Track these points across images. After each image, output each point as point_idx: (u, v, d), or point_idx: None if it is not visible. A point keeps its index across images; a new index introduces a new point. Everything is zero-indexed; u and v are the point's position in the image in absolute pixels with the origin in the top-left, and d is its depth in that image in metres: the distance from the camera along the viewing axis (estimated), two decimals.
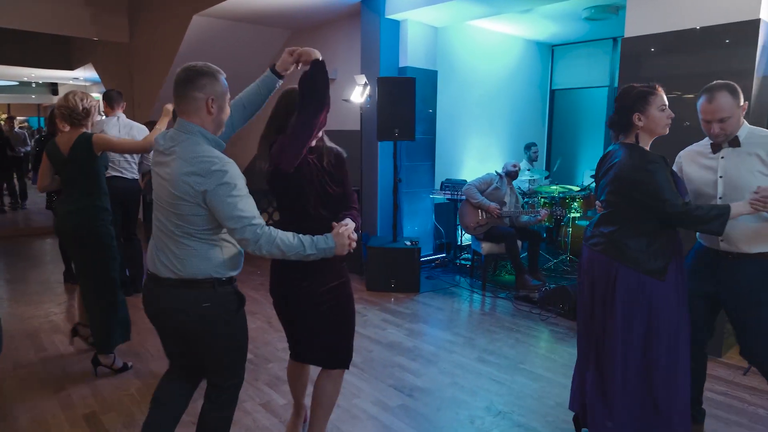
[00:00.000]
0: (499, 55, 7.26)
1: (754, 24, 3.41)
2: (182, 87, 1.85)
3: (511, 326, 4.36)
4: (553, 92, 8.14)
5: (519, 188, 6.49)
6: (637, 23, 3.94)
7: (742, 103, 2.34)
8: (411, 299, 5.07)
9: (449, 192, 6.13)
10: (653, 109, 2.27)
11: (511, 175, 5.56)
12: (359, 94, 5.45)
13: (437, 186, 6.48)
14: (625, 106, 2.31)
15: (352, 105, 5.70)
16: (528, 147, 7.07)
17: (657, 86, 2.31)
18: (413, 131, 5.22)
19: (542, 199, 6.11)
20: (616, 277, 2.28)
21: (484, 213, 5.41)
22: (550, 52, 8.04)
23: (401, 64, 5.88)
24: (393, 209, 5.51)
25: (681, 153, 2.64)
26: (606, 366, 2.36)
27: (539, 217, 5.35)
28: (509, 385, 3.29)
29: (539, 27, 6.90)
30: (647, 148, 2.32)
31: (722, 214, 2.15)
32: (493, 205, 5.32)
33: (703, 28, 3.61)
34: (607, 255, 2.31)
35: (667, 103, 2.31)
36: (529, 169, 6.91)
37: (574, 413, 2.65)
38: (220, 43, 6.75)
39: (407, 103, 5.17)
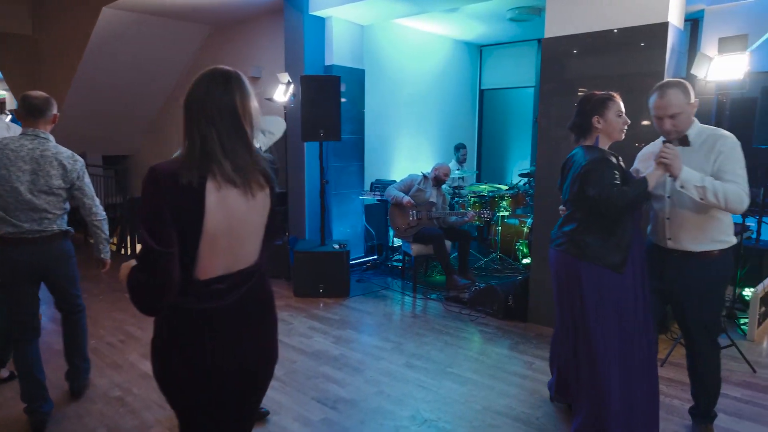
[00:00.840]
0: (428, 54, 7.25)
1: (663, 27, 3.51)
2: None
3: (440, 329, 4.31)
4: (482, 92, 8.23)
5: (449, 187, 6.50)
6: (557, 24, 3.98)
7: (692, 101, 2.39)
8: (340, 304, 4.93)
9: (379, 193, 6.04)
10: (611, 113, 2.44)
11: (439, 180, 5.50)
12: (282, 93, 5.26)
13: (367, 187, 6.37)
14: (586, 111, 2.48)
15: (276, 104, 5.48)
16: (457, 148, 7.09)
17: (614, 94, 2.48)
18: (339, 131, 5.08)
19: (472, 198, 6.14)
20: (580, 275, 2.41)
21: (414, 214, 5.35)
22: (478, 52, 8.12)
23: (327, 63, 5.72)
24: (321, 211, 5.35)
25: (638, 154, 2.74)
26: (588, 368, 2.46)
27: (466, 219, 5.35)
28: (436, 391, 3.22)
29: (466, 27, 6.94)
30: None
31: (642, 181, 2.30)
32: (406, 198, 5.25)
33: (619, 30, 3.69)
34: (570, 254, 2.45)
35: (623, 110, 2.48)
36: (458, 169, 6.93)
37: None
38: (134, 39, 6.34)
39: (333, 102, 5.02)
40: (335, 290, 5.11)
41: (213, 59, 6.29)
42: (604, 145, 2.49)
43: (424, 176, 5.47)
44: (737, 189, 2.26)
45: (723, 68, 3.46)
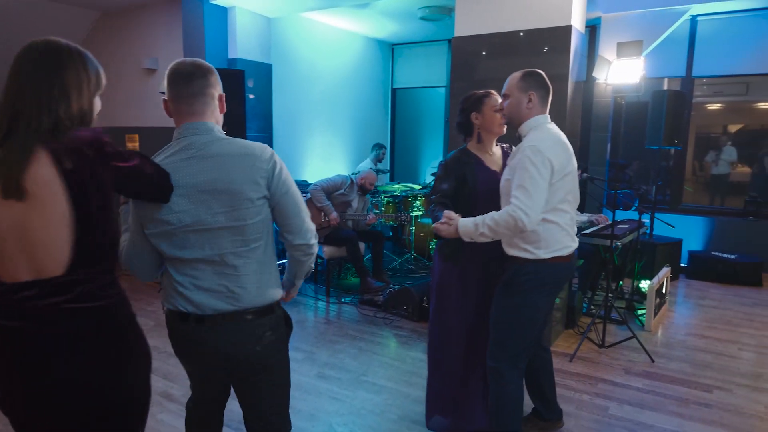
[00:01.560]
0: (339, 51, 7.08)
1: (567, 30, 3.58)
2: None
3: (354, 334, 4.17)
4: (394, 91, 8.20)
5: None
6: (467, 23, 3.97)
7: (529, 91, 2.22)
8: None
9: None
10: (487, 109, 2.47)
11: (365, 189, 5.35)
12: None
13: None
14: (465, 109, 2.54)
15: None
16: (376, 148, 6.98)
17: (491, 91, 2.52)
18: (244, 129, 4.80)
19: (385, 199, 6.05)
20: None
21: (326, 215, 5.17)
22: (390, 50, 8.07)
23: (231, 56, 5.39)
24: None
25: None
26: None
27: (367, 221, 5.23)
28: (350, 403, 3.07)
29: (378, 24, 6.85)
30: (494, 147, 2.57)
31: (434, 217, 2.37)
32: (334, 214, 5.09)
33: (525, 32, 3.72)
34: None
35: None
36: (374, 169, 6.81)
37: None
38: (11, 22, 5.62)
39: (237, 97, 4.72)
40: None
41: (101, 50, 5.72)
42: (489, 141, 2.54)
43: (352, 181, 5.30)
44: (503, 215, 2.06)
45: (621, 72, 3.60)
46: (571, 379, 3.35)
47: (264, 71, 5.65)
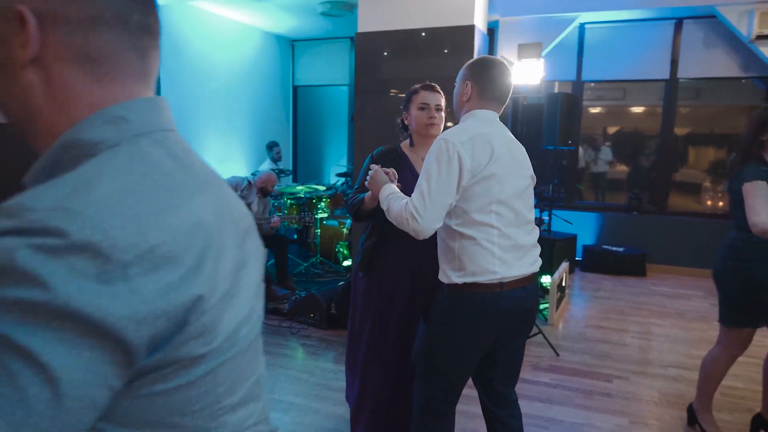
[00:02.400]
0: (235, 45, 6.69)
1: (470, 30, 3.58)
2: None
3: None
4: (295, 89, 7.93)
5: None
6: (370, 19, 3.85)
7: (467, 80, 2.02)
8: None
9: None
10: (414, 107, 2.28)
11: (265, 191, 5.04)
12: None
13: None
14: (402, 109, 2.38)
15: None
16: (270, 147, 6.68)
17: (430, 84, 2.30)
18: None
19: (288, 201, 5.80)
20: None
21: None
22: (290, 47, 7.79)
23: None
24: None
25: None
26: None
27: (271, 225, 4.97)
28: None
29: (276, 19, 6.55)
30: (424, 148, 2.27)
31: (357, 200, 2.23)
32: None
33: (428, 30, 3.68)
34: None
35: (430, 103, 2.25)
36: (275, 169, 6.51)
37: None
38: None
39: None
40: None
41: None
42: (419, 142, 2.32)
43: (249, 182, 4.98)
44: (401, 207, 1.76)
45: (522, 73, 3.67)
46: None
47: None
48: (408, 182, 2.14)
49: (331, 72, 7.63)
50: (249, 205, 4.94)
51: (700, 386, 2.69)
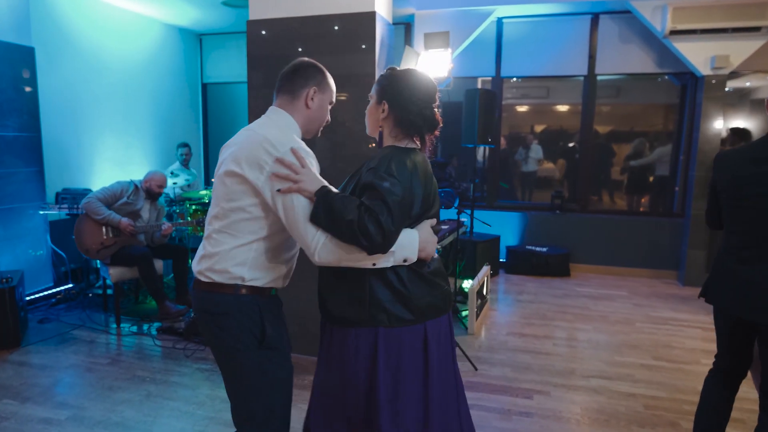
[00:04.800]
0: (131, 38, 6.07)
1: (371, 16, 3.24)
2: None
3: (144, 375, 3.39)
4: (205, 86, 7.36)
5: (167, 195, 5.51)
6: (262, 5, 3.44)
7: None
8: (4, 360, 3.59)
9: (69, 205, 4.75)
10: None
11: (152, 193, 4.49)
12: None
13: (51, 198, 4.98)
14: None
15: None
16: (179, 148, 6.10)
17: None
18: None
19: (192, 206, 5.27)
20: None
21: (110, 230, 4.26)
22: (197, 41, 7.21)
23: None
24: None
25: None
26: None
27: (162, 232, 4.45)
28: None
29: (177, 10, 5.99)
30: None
31: None
32: (125, 220, 4.22)
33: (327, 17, 3.30)
34: None
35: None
36: (173, 172, 5.91)
37: None
38: None
39: None
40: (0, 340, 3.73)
41: None
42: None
43: (136, 186, 4.42)
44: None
45: (430, 64, 3.38)
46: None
47: (22, 56, 4.52)
48: None
49: (242, 68, 7.11)
50: (138, 212, 4.40)
51: None
